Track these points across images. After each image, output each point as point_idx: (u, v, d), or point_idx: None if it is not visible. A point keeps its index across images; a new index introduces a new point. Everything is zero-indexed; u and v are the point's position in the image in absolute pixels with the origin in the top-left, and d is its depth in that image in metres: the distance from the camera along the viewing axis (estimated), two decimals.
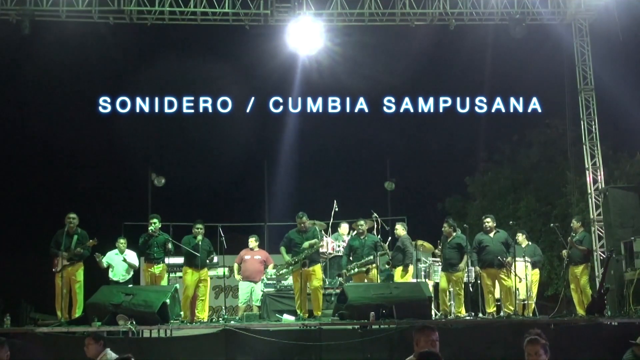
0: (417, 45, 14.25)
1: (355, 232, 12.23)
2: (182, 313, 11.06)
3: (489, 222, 11.33)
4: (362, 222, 11.54)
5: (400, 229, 12.09)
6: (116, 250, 11.89)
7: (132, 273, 11.91)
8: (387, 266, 11.72)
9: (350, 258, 11.35)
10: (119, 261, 11.82)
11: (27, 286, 12.14)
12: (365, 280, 11.14)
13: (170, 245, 11.07)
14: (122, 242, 11.87)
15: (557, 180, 17.14)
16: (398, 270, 11.66)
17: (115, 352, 7.45)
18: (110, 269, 11.81)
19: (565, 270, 11.77)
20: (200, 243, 10.84)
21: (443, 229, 11.43)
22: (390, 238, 12.61)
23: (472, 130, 16.92)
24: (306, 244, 10.72)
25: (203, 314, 10.88)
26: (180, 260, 11.54)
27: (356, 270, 11.23)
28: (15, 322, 10.30)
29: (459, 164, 19.08)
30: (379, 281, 11.24)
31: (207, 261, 11.08)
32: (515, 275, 11.08)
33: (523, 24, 13.20)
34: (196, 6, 12.95)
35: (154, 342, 9.88)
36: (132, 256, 11.80)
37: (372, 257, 11.16)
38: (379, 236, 12.21)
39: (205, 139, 16.17)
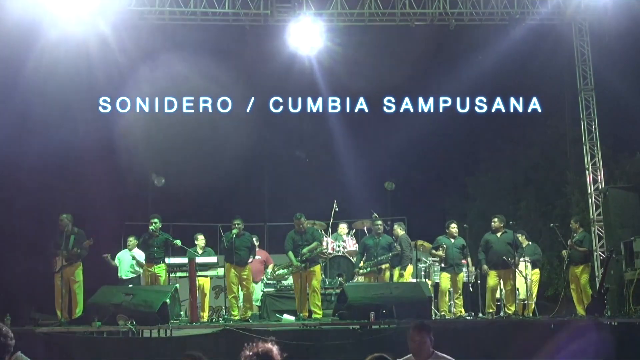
0: (417, 45, 14.22)
1: (353, 230, 12.26)
2: (182, 313, 11.06)
3: (495, 221, 11.41)
4: (379, 222, 11.55)
5: (399, 229, 12.09)
6: (126, 249, 12.02)
7: (139, 271, 11.98)
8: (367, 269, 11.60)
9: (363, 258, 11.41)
10: (126, 258, 11.94)
11: (27, 286, 12.13)
12: (377, 281, 11.14)
13: (178, 242, 11.11)
14: (131, 240, 11.96)
15: (557, 180, 17.12)
16: (396, 271, 11.70)
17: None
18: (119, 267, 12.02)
19: (566, 270, 11.78)
20: (235, 239, 10.79)
21: (452, 228, 11.52)
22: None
23: (472, 130, 16.89)
24: (305, 250, 10.72)
25: (249, 312, 10.83)
26: (181, 260, 11.57)
27: (368, 269, 11.25)
28: (15, 322, 10.30)
29: (459, 164, 19.04)
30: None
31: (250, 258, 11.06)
32: (522, 276, 11.13)
33: (523, 24, 13.21)
34: (196, 6, 12.96)
35: (154, 342, 9.88)
36: (138, 254, 11.87)
37: (384, 257, 11.17)
38: None
39: (205, 139, 16.12)
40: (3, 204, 13.71)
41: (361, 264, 11.46)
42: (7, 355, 3.42)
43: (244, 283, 10.85)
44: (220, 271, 11.64)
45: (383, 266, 11.22)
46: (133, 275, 11.98)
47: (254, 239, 12.43)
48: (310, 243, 10.86)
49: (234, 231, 10.85)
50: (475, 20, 13.41)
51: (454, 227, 11.58)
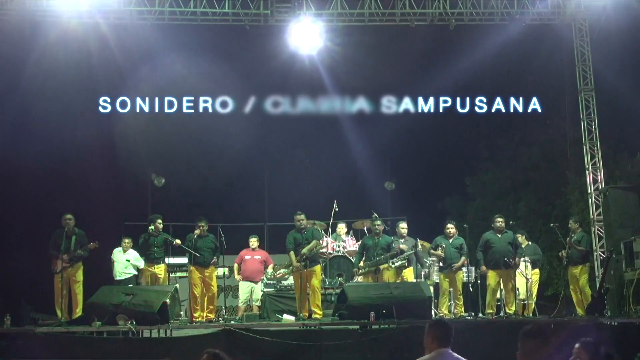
0: (417, 45, 14.22)
1: (347, 231, 12.22)
2: (182, 313, 11.06)
3: (500, 221, 11.37)
4: (378, 222, 11.54)
5: (404, 228, 11.97)
6: (120, 248, 11.97)
7: (132, 272, 11.93)
8: (397, 262, 11.36)
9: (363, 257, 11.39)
10: (121, 260, 11.89)
11: (27, 286, 12.13)
12: (378, 281, 11.11)
13: (178, 242, 11.06)
14: (126, 241, 11.93)
15: (557, 180, 17.12)
16: (410, 270, 11.63)
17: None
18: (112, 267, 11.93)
19: (565, 270, 11.77)
20: (197, 240, 10.76)
21: (449, 229, 11.47)
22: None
23: (472, 130, 16.90)
24: (305, 250, 10.72)
25: (212, 314, 10.83)
26: (181, 260, 11.54)
27: (367, 270, 11.25)
28: (15, 322, 10.30)
29: (459, 164, 19.04)
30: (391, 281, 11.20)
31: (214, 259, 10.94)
32: (522, 276, 11.12)
33: (523, 24, 13.21)
34: (196, 6, 12.97)
35: (154, 342, 9.88)
36: (134, 256, 11.83)
37: (382, 257, 11.16)
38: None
39: (205, 139, 16.14)
40: (3, 204, 13.72)
41: (361, 263, 11.44)
42: None
43: (208, 283, 10.80)
44: (220, 271, 11.64)
45: (382, 266, 11.19)
46: (127, 276, 11.90)
47: (254, 239, 12.46)
48: (310, 242, 10.86)
49: (197, 232, 10.80)
50: (475, 20, 13.42)
51: (450, 228, 11.53)
